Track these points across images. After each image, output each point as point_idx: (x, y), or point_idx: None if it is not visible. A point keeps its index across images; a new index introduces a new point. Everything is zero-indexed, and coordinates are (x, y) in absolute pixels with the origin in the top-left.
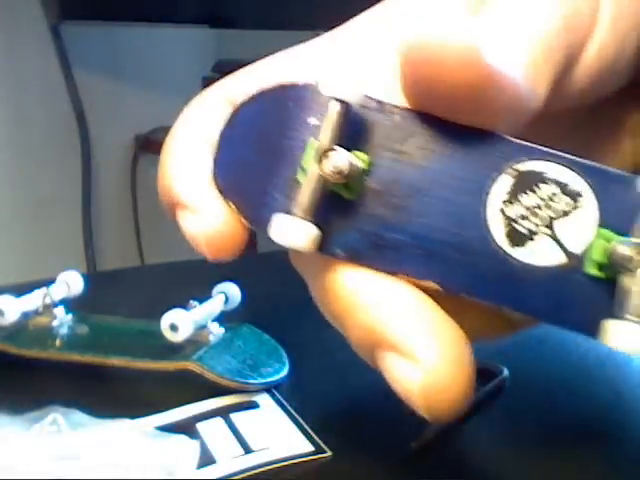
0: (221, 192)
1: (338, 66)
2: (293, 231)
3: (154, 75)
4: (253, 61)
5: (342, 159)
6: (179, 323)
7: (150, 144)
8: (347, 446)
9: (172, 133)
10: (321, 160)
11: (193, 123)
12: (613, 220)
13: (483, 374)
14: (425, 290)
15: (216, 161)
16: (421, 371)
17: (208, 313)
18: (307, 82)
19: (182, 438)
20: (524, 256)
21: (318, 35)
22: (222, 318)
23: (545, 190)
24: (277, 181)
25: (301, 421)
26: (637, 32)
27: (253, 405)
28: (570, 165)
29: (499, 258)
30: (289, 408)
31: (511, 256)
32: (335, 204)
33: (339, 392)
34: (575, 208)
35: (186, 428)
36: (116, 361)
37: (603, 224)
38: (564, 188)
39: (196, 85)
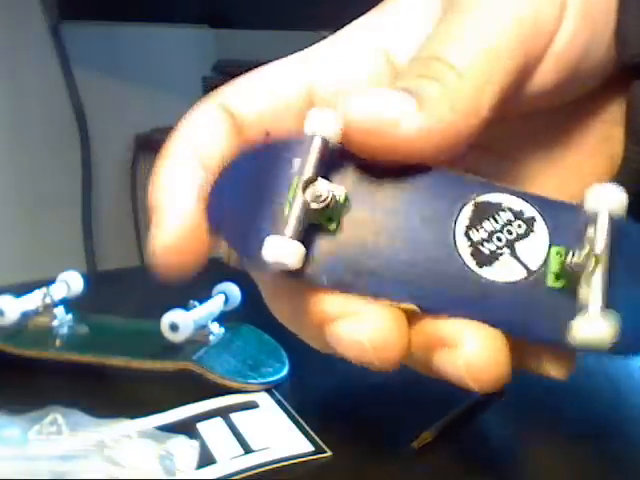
0: (213, 230)
1: (327, 72)
2: (283, 249)
3: (154, 75)
4: (253, 61)
5: (323, 187)
6: (179, 323)
7: (150, 144)
8: (347, 446)
9: (167, 145)
10: (305, 189)
11: (187, 137)
12: (564, 239)
13: None
14: (405, 313)
15: (209, 205)
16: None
17: (208, 313)
18: (291, 135)
19: (182, 438)
20: (492, 274)
21: (319, 35)
22: (222, 318)
23: (503, 217)
24: (266, 215)
25: (301, 421)
26: (607, 29)
27: (253, 405)
28: (521, 196)
29: (470, 278)
30: (289, 408)
31: (480, 275)
32: (319, 235)
33: (339, 392)
34: (531, 231)
35: (186, 428)
36: (116, 361)
37: (555, 243)
38: (519, 215)
39: (196, 85)
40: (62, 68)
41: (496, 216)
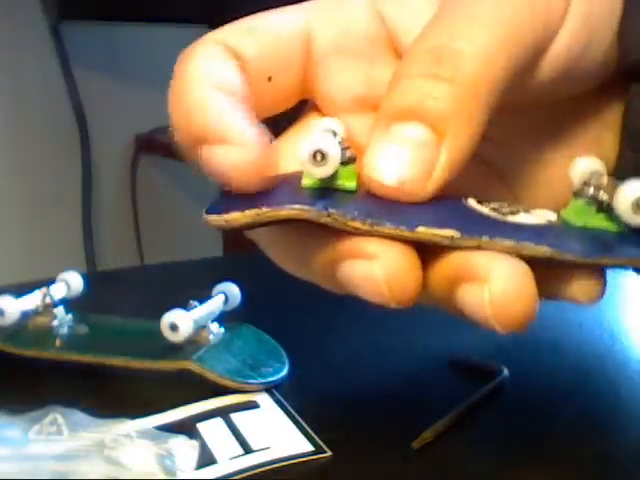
0: (213, 213)
1: (325, 22)
2: (327, 139)
3: (154, 75)
4: None
5: (344, 140)
6: (179, 323)
7: (150, 144)
8: (347, 446)
9: (180, 75)
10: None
11: (199, 69)
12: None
13: (483, 374)
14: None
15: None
16: (380, 264)
17: (208, 313)
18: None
19: (182, 438)
20: (517, 220)
21: None
22: (222, 318)
23: (503, 204)
24: (280, 187)
25: (301, 421)
26: (607, 31)
27: (253, 405)
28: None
29: (500, 221)
30: (289, 408)
31: (506, 220)
32: (342, 196)
33: (339, 392)
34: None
35: (186, 428)
36: (116, 361)
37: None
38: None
39: None
40: (62, 68)
41: (500, 204)
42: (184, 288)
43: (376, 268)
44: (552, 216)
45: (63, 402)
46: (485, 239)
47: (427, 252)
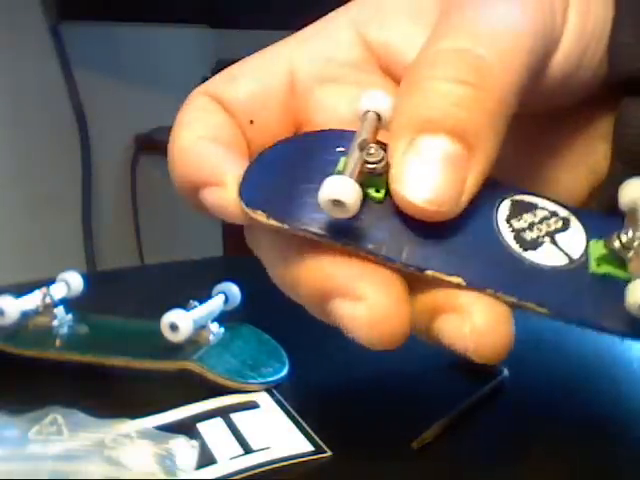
0: (247, 205)
1: (306, 57)
2: (344, 186)
3: (154, 75)
4: None
5: (378, 148)
6: (179, 323)
7: (150, 144)
8: (347, 446)
9: (175, 134)
10: (362, 148)
11: (187, 119)
12: (600, 234)
13: (483, 374)
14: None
15: (241, 185)
16: (366, 307)
17: (208, 313)
18: (328, 129)
19: (182, 438)
20: (536, 258)
21: None
22: (222, 318)
23: (540, 214)
24: (308, 186)
25: (301, 421)
26: (600, 43)
27: (253, 405)
28: (553, 201)
29: (516, 259)
30: (289, 408)
31: (525, 258)
32: (367, 206)
33: (339, 392)
34: (568, 227)
35: (186, 428)
36: (116, 361)
37: (593, 238)
38: (554, 214)
39: (196, 85)
40: (62, 68)
41: (534, 212)
42: (184, 288)
43: (363, 311)
44: (577, 252)
45: (63, 402)
46: (489, 291)
47: (412, 279)
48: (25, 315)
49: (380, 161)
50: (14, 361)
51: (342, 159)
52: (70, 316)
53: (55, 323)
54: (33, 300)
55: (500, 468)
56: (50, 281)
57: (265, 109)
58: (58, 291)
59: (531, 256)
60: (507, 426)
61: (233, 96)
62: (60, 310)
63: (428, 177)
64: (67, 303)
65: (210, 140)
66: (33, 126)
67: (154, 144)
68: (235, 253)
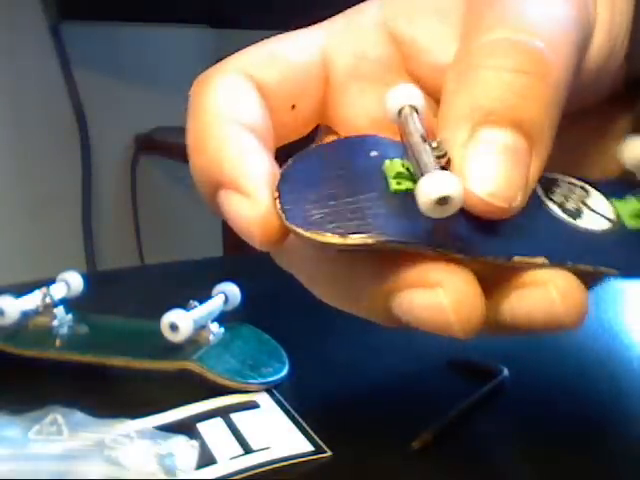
0: (306, 229)
1: (340, 42)
2: (448, 181)
3: (154, 75)
4: None
5: (441, 143)
6: (179, 323)
7: (150, 144)
8: (347, 446)
9: (199, 108)
10: (424, 141)
11: (221, 102)
12: (615, 195)
13: (483, 374)
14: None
15: (283, 204)
16: (445, 293)
17: (208, 313)
18: (359, 134)
19: (182, 438)
20: (587, 224)
21: None
22: (222, 318)
23: (564, 187)
24: (369, 197)
25: (301, 421)
26: (625, 38)
27: (253, 405)
28: (563, 174)
29: (575, 230)
30: (289, 408)
31: (580, 226)
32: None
33: (339, 392)
34: (589, 194)
35: (186, 428)
36: (116, 361)
37: (611, 197)
38: (573, 184)
39: None
40: (62, 68)
41: (559, 185)
42: (184, 288)
43: (442, 297)
44: (610, 213)
45: (63, 402)
46: (569, 264)
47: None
48: (25, 315)
49: (444, 155)
50: (14, 361)
51: (388, 163)
52: (70, 316)
53: (55, 323)
54: (33, 300)
55: (500, 468)
56: (50, 281)
57: (305, 96)
58: (58, 291)
59: (584, 224)
60: (507, 426)
61: (272, 79)
62: (60, 310)
63: (491, 170)
64: (67, 303)
65: (238, 125)
66: (33, 126)
67: (154, 144)
68: (235, 253)
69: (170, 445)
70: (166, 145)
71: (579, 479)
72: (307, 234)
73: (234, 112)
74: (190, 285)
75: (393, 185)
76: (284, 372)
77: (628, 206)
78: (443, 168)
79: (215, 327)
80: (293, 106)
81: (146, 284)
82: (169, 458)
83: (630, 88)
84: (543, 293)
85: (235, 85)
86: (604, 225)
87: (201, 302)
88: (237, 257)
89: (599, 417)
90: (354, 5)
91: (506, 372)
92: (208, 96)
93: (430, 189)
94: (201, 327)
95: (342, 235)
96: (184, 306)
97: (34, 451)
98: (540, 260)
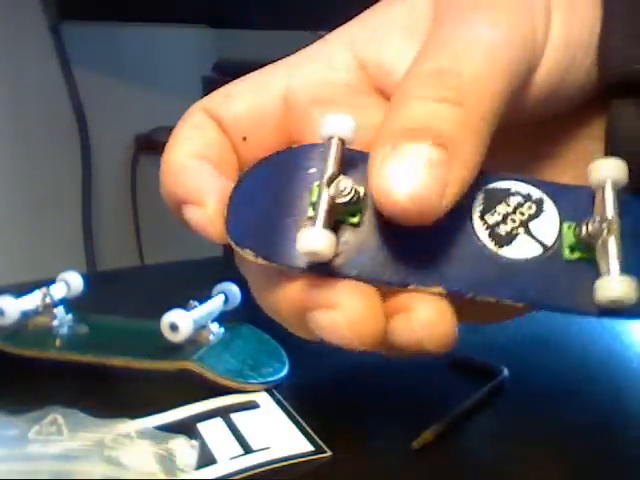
0: (236, 243)
1: (302, 79)
2: (316, 239)
3: (154, 75)
4: (253, 61)
5: (346, 182)
6: (179, 323)
7: (150, 144)
8: (347, 446)
9: (168, 148)
10: (329, 185)
11: (181, 136)
12: (573, 216)
13: (483, 374)
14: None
15: (228, 219)
16: (342, 312)
17: (208, 313)
18: (300, 145)
19: (182, 438)
20: (510, 253)
21: (317, 36)
22: (222, 318)
23: (513, 201)
24: (288, 221)
25: (301, 421)
26: (587, 54)
27: (253, 405)
28: (527, 181)
29: (492, 259)
30: (289, 408)
31: (500, 255)
32: (342, 230)
33: (339, 392)
34: (542, 211)
35: (186, 428)
36: (116, 361)
37: (565, 220)
38: (527, 197)
39: (196, 85)
40: (62, 68)
41: (507, 200)
42: (184, 288)
43: (339, 316)
44: (550, 238)
45: (63, 402)
46: (470, 295)
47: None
48: (25, 315)
49: (350, 192)
50: (14, 361)
51: (315, 187)
52: (70, 316)
53: (55, 323)
54: (33, 300)
55: (500, 468)
56: (50, 281)
57: (259, 127)
58: (58, 291)
59: (506, 252)
60: (507, 426)
61: (228, 114)
62: (60, 310)
63: (408, 175)
64: (67, 303)
65: (199, 158)
66: (33, 126)
67: (154, 144)
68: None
69: (170, 445)
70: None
71: (579, 479)
72: (236, 248)
73: (194, 147)
74: (190, 285)
75: (310, 212)
76: (284, 372)
77: (569, 235)
78: (347, 204)
79: (215, 327)
80: (244, 138)
81: (146, 284)
82: (169, 458)
83: (606, 93)
84: (405, 319)
85: (199, 123)
86: (534, 252)
87: (201, 302)
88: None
89: (599, 417)
90: (350, 7)
91: (506, 372)
92: (176, 132)
93: (300, 245)
94: (201, 327)
95: (255, 255)
96: (184, 306)
97: (34, 451)
98: (437, 289)
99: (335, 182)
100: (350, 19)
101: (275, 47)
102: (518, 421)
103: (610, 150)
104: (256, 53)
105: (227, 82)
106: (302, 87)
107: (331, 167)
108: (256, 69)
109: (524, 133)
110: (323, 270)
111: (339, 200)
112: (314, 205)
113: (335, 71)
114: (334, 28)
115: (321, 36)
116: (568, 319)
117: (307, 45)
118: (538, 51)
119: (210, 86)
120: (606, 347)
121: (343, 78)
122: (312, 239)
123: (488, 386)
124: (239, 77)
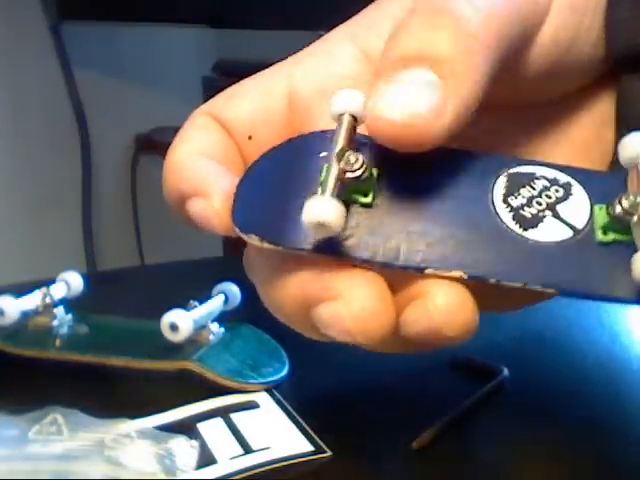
0: (241, 229)
1: (306, 77)
2: (324, 208)
3: (154, 75)
4: (253, 61)
5: (357, 155)
6: (179, 323)
7: (150, 144)
8: (347, 446)
9: (172, 148)
10: (340, 159)
11: (189, 141)
12: (603, 198)
13: (483, 374)
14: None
15: (234, 208)
16: (344, 304)
17: (208, 313)
18: (310, 132)
19: (182, 438)
20: (537, 236)
21: (318, 35)
22: (222, 318)
23: (539, 184)
24: (296, 203)
25: (301, 421)
26: (595, 21)
27: (253, 405)
28: (552, 166)
29: (516, 241)
30: (289, 408)
31: (526, 238)
32: (357, 213)
33: (339, 392)
34: (570, 194)
35: (186, 428)
36: (116, 361)
37: (596, 202)
38: (554, 182)
39: (196, 85)
40: (62, 68)
41: (532, 184)
42: (184, 288)
43: (342, 308)
44: (581, 221)
45: (63, 402)
46: (493, 280)
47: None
48: (25, 315)
49: (361, 167)
50: (14, 361)
51: (325, 167)
52: (70, 316)
53: (55, 323)
54: (33, 300)
55: (500, 468)
56: (50, 281)
57: (265, 125)
58: (58, 291)
59: (533, 235)
60: (507, 426)
61: (232, 114)
62: (60, 310)
63: (403, 97)
64: (67, 303)
65: (203, 155)
66: (33, 126)
67: (154, 144)
68: (235, 253)
69: (170, 445)
70: (166, 145)
71: (579, 479)
72: (240, 234)
73: (199, 146)
74: (190, 285)
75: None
76: (284, 372)
77: (601, 216)
78: (357, 180)
79: (215, 327)
80: (250, 137)
81: (146, 284)
82: (169, 458)
83: (614, 67)
84: (421, 305)
85: (199, 124)
86: (564, 235)
87: (201, 302)
88: (237, 257)
89: (599, 417)
90: (350, 6)
91: (506, 372)
92: (180, 134)
93: (307, 215)
94: (201, 327)
95: (261, 239)
96: (184, 306)
97: (34, 451)
98: (457, 274)
99: (345, 155)
100: (349, 18)
101: (275, 47)
102: (518, 421)
103: (620, 129)
104: (256, 53)
105: (227, 82)
106: (306, 81)
107: (341, 141)
108: (256, 69)
109: (541, 111)
110: (331, 250)
111: (349, 175)
112: (323, 185)
113: (338, 63)
114: (333, 27)
115: (321, 36)
116: (568, 319)
117: (306, 45)
118: (540, 12)
119: (210, 86)
120: (606, 347)
121: (346, 70)
122: (320, 208)
123: (488, 386)
124: (239, 77)
